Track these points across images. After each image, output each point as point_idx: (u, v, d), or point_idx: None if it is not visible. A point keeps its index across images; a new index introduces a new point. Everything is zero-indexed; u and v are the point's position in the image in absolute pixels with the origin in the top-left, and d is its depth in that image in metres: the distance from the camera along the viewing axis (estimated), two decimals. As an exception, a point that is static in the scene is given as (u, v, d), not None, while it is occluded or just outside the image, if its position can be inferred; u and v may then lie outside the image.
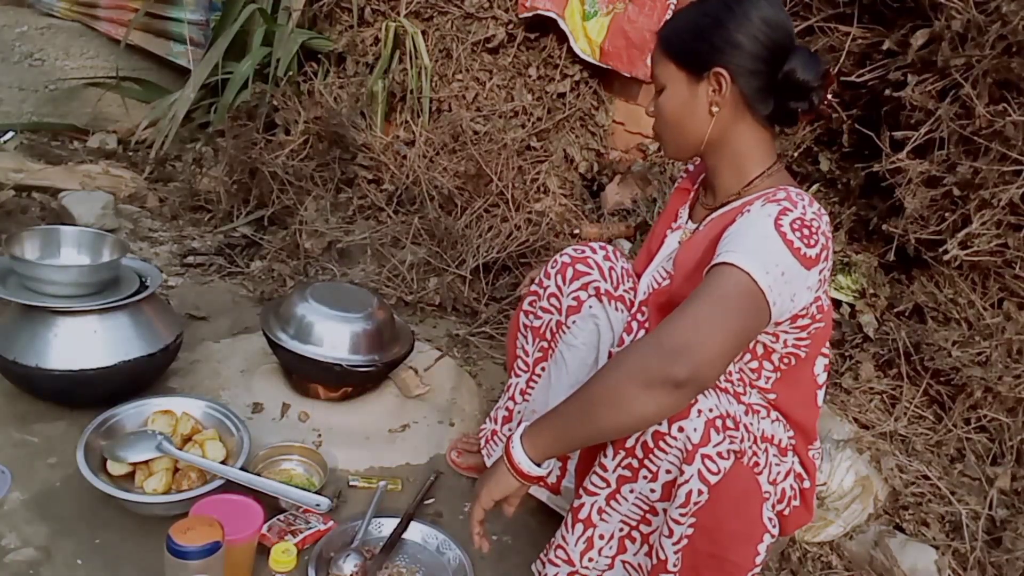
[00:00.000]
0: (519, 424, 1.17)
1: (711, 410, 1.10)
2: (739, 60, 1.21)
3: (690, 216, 1.39)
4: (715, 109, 1.24)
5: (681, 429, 1.10)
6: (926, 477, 1.80)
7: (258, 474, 1.50)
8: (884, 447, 1.86)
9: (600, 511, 1.21)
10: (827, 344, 1.31)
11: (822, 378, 1.32)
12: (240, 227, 2.74)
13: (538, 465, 1.14)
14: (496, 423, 1.61)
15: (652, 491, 1.16)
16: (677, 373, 1.03)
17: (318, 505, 1.42)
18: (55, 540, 1.36)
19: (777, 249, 1.10)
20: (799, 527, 1.36)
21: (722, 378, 1.23)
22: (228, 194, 2.80)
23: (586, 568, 1.24)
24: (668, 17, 1.30)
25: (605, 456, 1.19)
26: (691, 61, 1.25)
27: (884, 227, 2.14)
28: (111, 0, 3.39)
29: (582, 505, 1.23)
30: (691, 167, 1.50)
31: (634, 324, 1.41)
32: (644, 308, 1.40)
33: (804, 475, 1.32)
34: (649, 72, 1.35)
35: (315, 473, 1.59)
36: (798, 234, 1.11)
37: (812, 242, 1.12)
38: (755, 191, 1.25)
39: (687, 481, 1.10)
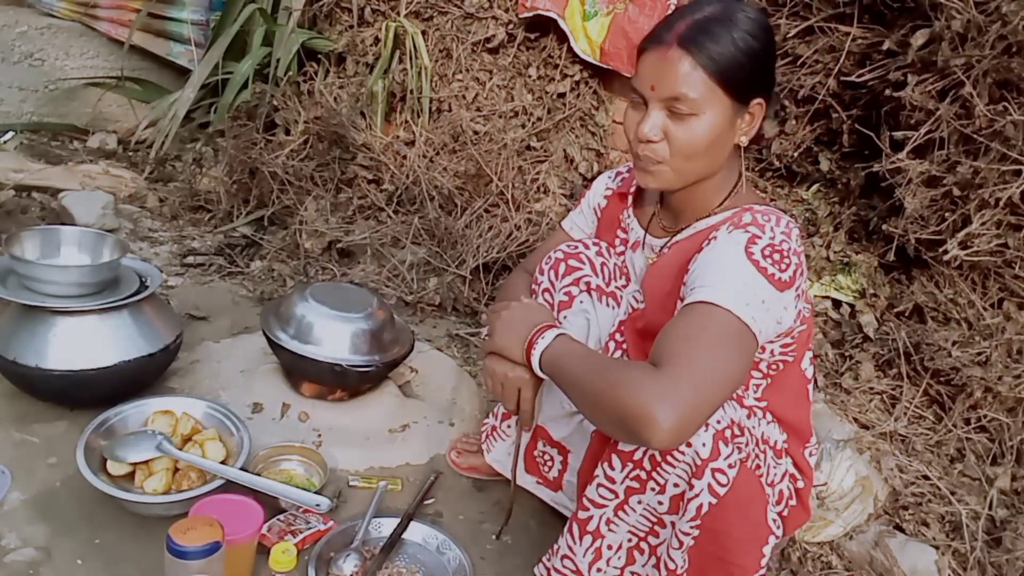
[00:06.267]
0: (556, 331, 1.21)
1: (719, 422, 1.10)
2: (770, 93, 1.20)
3: (647, 230, 1.36)
4: (744, 140, 1.21)
5: (689, 444, 1.09)
6: (926, 477, 1.80)
7: (258, 474, 1.50)
8: (884, 447, 1.86)
9: (608, 522, 1.22)
10: (811, 340, 1.32)
11: (810, 372, 1.32)
12: (240, 227, 2.74)
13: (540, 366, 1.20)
14: (496, 419, 1.61)
15: (660, 503, 1.16)
16: (658, 444, 1.00)
17: (318, 505, 1.42)
18: (55, 540, 1.36)
19: (752, 279, 1.10)
20: (798, 527, 1.36)
21: None
22: (228, 194, 2.80)
23: None
24: (684, 27, 1.14)
25: (612, 468, 1.19)
26: (742, 89, 1.16)
27: (884, 227, 2.14)
28: (111, 0, 3.39)
29: (590, 518, 1.23)
30: (623, 169, 1.47)
31: (611, 344, 1.40)
32: (623, 328, 1.40)
33: (798, 476, 1.32)
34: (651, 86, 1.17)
35: (315, 473, 1.59)
36: (769, 260, 1.11)
37: (784, 266, 1.12)
38: (722, 211, 1.24)
39: (697, 495, 1.11)
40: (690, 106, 1.14)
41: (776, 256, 1.12)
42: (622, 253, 1.43)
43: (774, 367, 1.25)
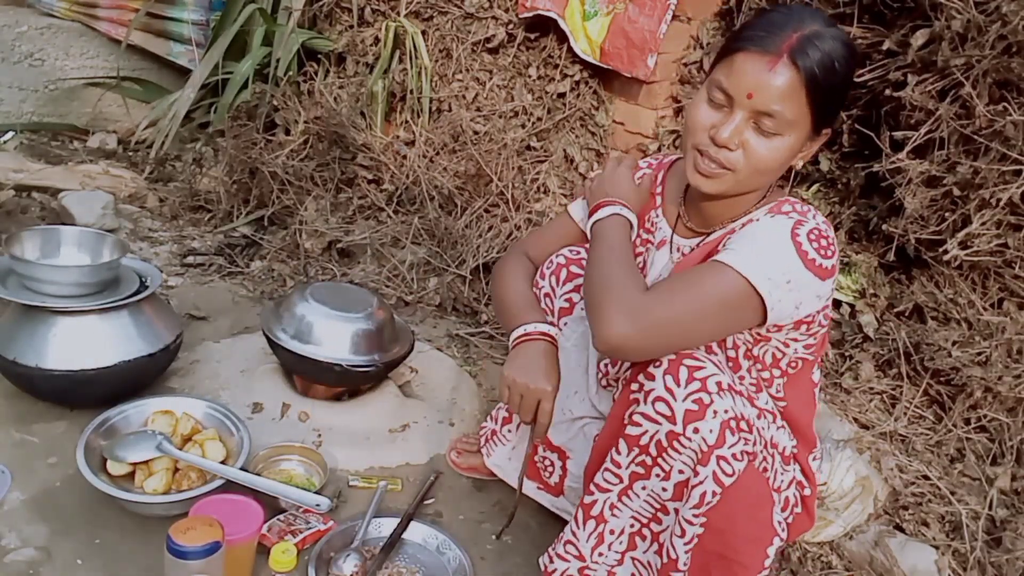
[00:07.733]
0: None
1: (726, 411, 1.10)
2: (835, 123, 1.20)
3: (674, 230, 1.34)
4: (799, 164, 1.19)
5: (696, 430, 1.09)
6: (926, 477, 1.80)
7: (258, 474, 1.50)
8: (884, 447, 1.86)
9: (612, 507, 1.22)
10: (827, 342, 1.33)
11: (817, 376, 1.33)
12: (240, 227, 2.74)
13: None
14: (496, 423, 1.61)
15: (664, 490, 1.16)
16: (599, 343, 1.10)
17: (318, 505, 1.42)
18: (55, 540, 1.36)
19: (788, 258, 1.10)
20: (801, 534, 1.37)
21: (737, 381, 1.23)
22: (228, 194, 2.80)
23: (596, 563, 1.25)
24: (796, 40, 1.06)
25: (618, 453, 1.19)
26: (824, 118, 1.12)
27: (884, 227, 2.14)
28: (111, 0, 3.39)
29: (594, 502, 1.23)
30: (644, 164, 1.45)
31: None
32: None
33: (805, 483, 1.32)
34: (710, 81, 1.12)
35: (315, 473, 1.59)
36: (815, 245, 1.11)
37: (829, 253, 1.12)
38: (757, 209, 1.24)
39: (701, 482, 1.11)
40: (780, 125, 1.09)
41: (822, 241, 1.12)
42: (641, 253, 1.42)
43: (794, 364, 1.25)
